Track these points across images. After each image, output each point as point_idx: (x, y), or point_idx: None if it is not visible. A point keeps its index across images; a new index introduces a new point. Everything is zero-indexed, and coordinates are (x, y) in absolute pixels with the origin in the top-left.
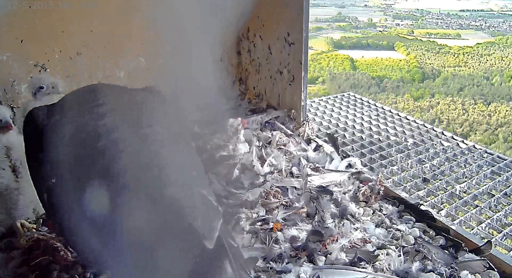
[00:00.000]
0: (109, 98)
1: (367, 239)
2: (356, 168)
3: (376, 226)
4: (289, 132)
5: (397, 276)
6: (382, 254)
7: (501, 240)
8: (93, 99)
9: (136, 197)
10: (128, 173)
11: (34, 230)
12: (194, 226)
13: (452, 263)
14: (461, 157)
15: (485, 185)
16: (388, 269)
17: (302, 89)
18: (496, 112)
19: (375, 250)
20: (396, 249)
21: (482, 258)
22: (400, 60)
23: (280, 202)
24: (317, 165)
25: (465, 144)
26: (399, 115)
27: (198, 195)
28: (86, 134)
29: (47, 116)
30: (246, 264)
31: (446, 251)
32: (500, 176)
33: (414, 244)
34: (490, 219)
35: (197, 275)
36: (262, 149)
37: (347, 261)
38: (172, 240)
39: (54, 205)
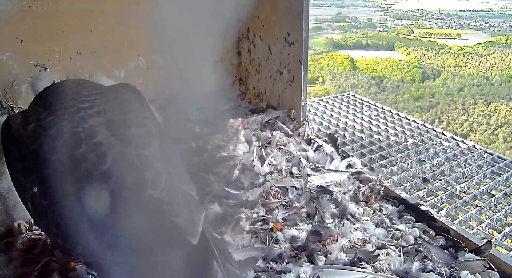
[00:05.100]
0: (88, 100)
1: (367, 239)
2: (356, 168)
3: (376, 226)
4: (289, 132)
5: (397, 276)
6: (382, 254)
7: (501, 240)
8: (71, 104)
9: (122, 199)
10: (112, 176)
11: (32, 230)
12: (177, 223)
13: (452, 263)
14: (461, 157)
15: (485, 185)
16: (388, 269)
17: (302, 89)
18: (496, 112)
19: (375, 250)
20: (396, 249)
21: (482, 258)
22: (400, 60)
23: (280, 202)
24: (317, 165)
25: (465, 143)
26: (399, 115)
27: (180, 191)
28: (67, 140)
29: (23, 124)
30: (230, 255)
31: (446, 251)
32: (500, 176)
33: (414, 244)
34: (490, 219)
35: (186, 275)
36: (262, 149)
37: (347, 261)
38: (158, 241)
39: (39, 213)
